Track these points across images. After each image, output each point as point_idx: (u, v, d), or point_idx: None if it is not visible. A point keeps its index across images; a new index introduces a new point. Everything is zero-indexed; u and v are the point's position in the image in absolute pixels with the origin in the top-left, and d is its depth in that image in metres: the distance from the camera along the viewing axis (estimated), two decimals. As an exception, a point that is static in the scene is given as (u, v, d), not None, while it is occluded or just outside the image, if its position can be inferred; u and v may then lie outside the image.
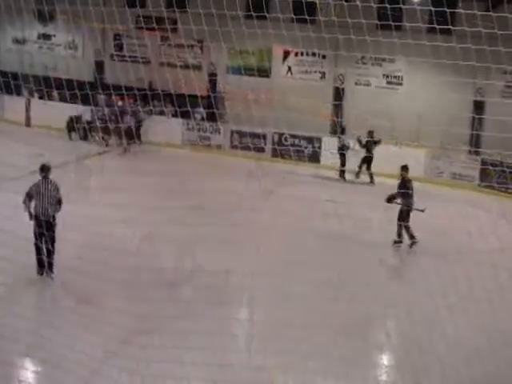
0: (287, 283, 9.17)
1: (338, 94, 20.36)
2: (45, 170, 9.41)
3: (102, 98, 19.92)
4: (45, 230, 8.91)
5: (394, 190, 11.76)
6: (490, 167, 16.43)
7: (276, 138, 19.82)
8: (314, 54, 20.84)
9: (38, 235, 8.96)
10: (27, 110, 21.61)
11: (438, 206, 11.84)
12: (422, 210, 11.42)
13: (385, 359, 8.09)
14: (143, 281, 8.73)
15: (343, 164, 17.05)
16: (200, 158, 18.43)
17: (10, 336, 6.94)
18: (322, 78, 21.23)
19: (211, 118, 19.70)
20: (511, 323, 7.88)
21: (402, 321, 7.75)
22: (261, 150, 19.06)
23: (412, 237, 11.33)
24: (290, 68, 21.56)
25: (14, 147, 17.82)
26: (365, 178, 17.52)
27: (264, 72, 20.36)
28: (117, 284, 8.75)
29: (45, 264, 8.93)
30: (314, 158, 18.86)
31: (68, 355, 6.58)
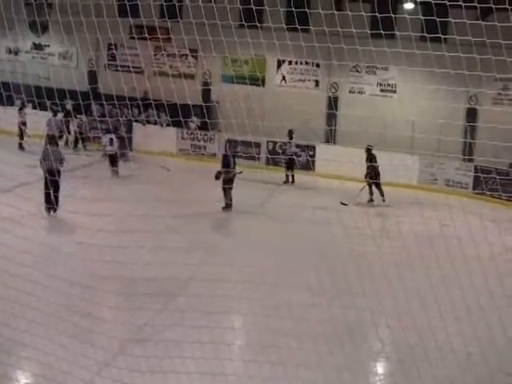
0: (281, 291, 9.15)
1: (332, 103, 20.46)
2: (51, 140, 14.45)
3: (95, 107, 19.92)
4: (52, 177, 12.30)
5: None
6: (482, 174, 16.51)
7: (270, 146, 19.88)
8: (307, 63, 20.94)
9: (48, 182, 12.35)
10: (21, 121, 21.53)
11: (431, 213, 11.86)
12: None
13: (379, 367, 8.09)
14: (137, 291, 8.71)
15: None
16: (194, 166, 18.44)
17: (3, 348, 6.91)
18: (315, 86, 21.31)
19: (205, 127, 19.75)
20: (504, 330, 7.88)
21: (395, 329, 7.74)
22: (255, 158, 19.08)
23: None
24: (284, 77, 21.64)
25: (7, 157, 17.84)
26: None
27: (258, 81, 20.44)
28: (110, 294, 8.76)
29: (51, 203, 12.28)
30: (308, 166, 18.90)
31: (62, 367, 6.55)
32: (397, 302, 7.94)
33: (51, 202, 12.37)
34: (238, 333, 8.60)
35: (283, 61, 21.33)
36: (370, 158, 16.44)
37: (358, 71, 20.72)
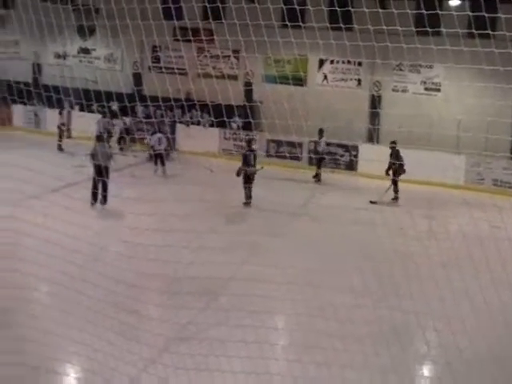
0: (325, 293, 9.10)
1: (375, 102, 20.20)
2: (99, 138, 15.39)
3: (140, 109, 20.26)
4: (101, 175, 13.37)
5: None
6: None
7: (312, 146, 19.78)
8: (349, 62, 20.75)
9: (96, 178, 13.47)
10: (68, 122, 22.14)
11: (479, 214, 11.60)
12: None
13: (426, 370, 7.94)
14: (180, 289, 8.80)
15: None
16: (236, 166, 18.51)
17: (52, 343, 7.09)
18: (358, 85, 21.10)
19: (247, 127, 19.80)
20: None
21: (443, 331, 7.58)
22: (297, 158, 19.02)
23: None
24: (325, 76, 21.51)
25: (55, 159, 18.32)
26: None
27: (300, 80, 20.38)
28: (155, 292, 8.88)
29: (97, 197, 13.60)
30: (351, 166, 18.74)
31: (109, 363, 6.67)
32: (444, 303, 7.78)
33: (97, 197, 13.61)
34: (282, 333, 8.58)
35: (325, 60, 21.20)
36: (394, 153, 16.16)
37: (401, 69, 20.42)
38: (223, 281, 9.29)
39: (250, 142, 15.41)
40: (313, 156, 18.47)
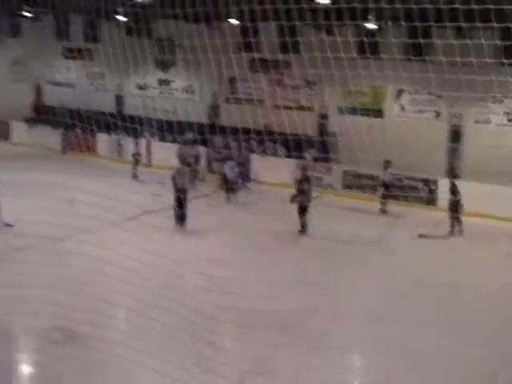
0: (402, 329, 8.77)
1: (454, 134, 19.57)
2: (181, 162, 16.88)
3: (216, 139, 20.64)
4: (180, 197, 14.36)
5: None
6: None
7: (388, 178, 19.35)
8: (429, 93, 20.30)
9: (176, 198, 14.42)
10: (148, 151, 22.85)
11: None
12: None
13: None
14: (256, 323, 8.74)
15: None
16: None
17: (122, 367, 7.16)
18: (436, 117, 20.57)
19: (323, 158, 19.68)
20: None
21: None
22: (374, 190, 18.66)
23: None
24: (403, 107, 21.14)
25: (134, 186, 18.91)
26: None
27: (376, 112, 20.14)
28: (230, 325, 8.86)
29: (179, 216, 14.29)
30: (430, 200, 18.16)
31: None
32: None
33: (180, 215, 14.41)
34: (358, 372, 8.32)
35: (403, 91, 20.85)
36: (453, 189, 15.55)
37: (483, 101, 19.73)
38: (298, 315, 9.14)
39: (304, 169, 15.12)
40: (378, 188, 18.06)
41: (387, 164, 18.00)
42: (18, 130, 26.91)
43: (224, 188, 18.08)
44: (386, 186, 17.88)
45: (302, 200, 14.47)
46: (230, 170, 17.98)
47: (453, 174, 18.42)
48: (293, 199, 14.66)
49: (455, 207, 15.30)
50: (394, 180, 18.25)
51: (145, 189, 18.10)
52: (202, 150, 20.60)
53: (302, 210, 14.38)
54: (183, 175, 15.02)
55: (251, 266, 11.41)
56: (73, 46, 26.97)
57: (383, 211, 17.63)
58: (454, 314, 9.63)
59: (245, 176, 20.00)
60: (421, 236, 14.74)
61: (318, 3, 13.21)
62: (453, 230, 15.31)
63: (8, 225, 13.08)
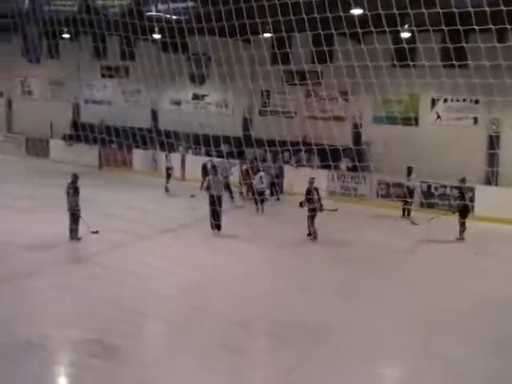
0: (435, 344, 8.54)
1: (493, 140, 19.11)
2: (215, 169, 16.28)
3: (249, 152, 20.68)
4: (215, 204, 14.57)
5: None
6: None
7: (424, 187, 19.04)
8: (465, 100, 19.93)
9: (211, 208, 14.59)
10: (183, 165, 23.09)
11: None
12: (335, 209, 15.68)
13: None
14: (288, 333, 8.67)
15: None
16: (344, 208, 18.25)
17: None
18: (474, 123, 20.15)
19: (356, 168, 19.52)
20: None
21: None
22: (408, 200, 18.35)
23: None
24: (438, 115, 20.79)
25: (169, 201, 19.12)
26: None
27: (410, 120, 19.85)
28: (264, 335, 8.83)
29: (214, 224, 14.59)
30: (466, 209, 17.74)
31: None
32: None
33: (215, 223, 14.71)
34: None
35: (438, 98, 20.52)
36: (461, 194, 15.53)
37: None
38: (330, 326, 9.01)
39: (312, 179, 15.31)
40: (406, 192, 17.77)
41: (410, 170, 17.85)
42: (57, 147, 27.61)
43: (253, 199, 18.12)
44: (410, 192, 17.73)
45: (311, 207, 14.71)
46: (258, 180, 18.00)
47: (490, 181, 18.04)
48: (301, 205, 15.07)
49: (464, 212, 15.13)
50: (417, 186, 18.10)
51: (177, 202, 18.30)
52: (236, 162, 20.69)
53: (310, 217, 14.70)
54: (218, 184, 15.26)
55: (282, 276, 11.35)
56: (110, 64, 27.58)
57: (406, 217, 17.55)
58: (498, 329, 9.32)
59: (278, 188, 20.00)
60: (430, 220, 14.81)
61: (351, 13, 13.18)
62: (462, 236, 15.08)
63: (94, 232, 13.60)
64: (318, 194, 15.04)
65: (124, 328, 8.46)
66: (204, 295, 10.03)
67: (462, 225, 15.09)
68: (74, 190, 13.40)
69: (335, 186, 20.80)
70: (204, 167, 20.63)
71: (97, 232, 13.66)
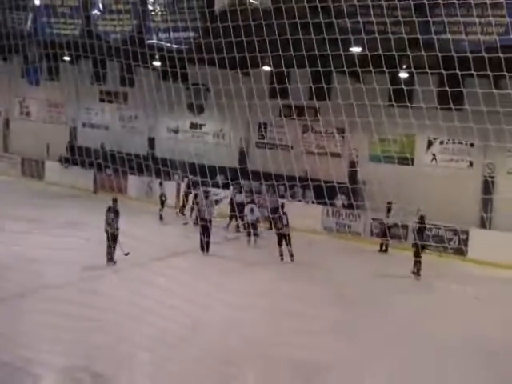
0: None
1: (487, 184, 19.14)
2: (207, 193, 17.01)
3: (244, 183, 20.61)
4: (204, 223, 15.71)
5: None
6: None
7: (415, 226, 18.93)
8: (461, 143, 20.01)
9: (202, 228, 15.52)
10: (177, 194, 22.96)
11: None
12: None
13: None
14: (279, 371, 8.53)
15: None
16: (338, 244, 18.12)
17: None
18: (469, 166, 20.20)
19: (351, 205, 19.47)
20: None
21: None
22: (401, 238, 18.25)
23: None
24: (434, 156, 20.85)
25: (163, 228, 18.96)
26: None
27: (407, 160, 19.91)
28: (253, 372, 8.65)
29: (203, 246, 15.40)
30: (461, 251, 17.65)
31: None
32: None
33: (203, 246, 15.46)
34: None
35: (434, 139, 20.61)
36: (420, 230, 15.58)
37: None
38: (319, 367, 8.81)
39: (282, 206, 16.81)
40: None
41: (389, 207, 18.11)
42: (52, 169, 27.51)
43: (245, 231, 18.01)
44: (388, 228, 18.19)
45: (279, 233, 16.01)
46: (249, 212, 17.90)
47: (484, 224, 18.02)
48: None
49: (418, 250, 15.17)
50: (394, 223, 18.19)
51: (170, 230, 18.14)
52: (229, 193, 20.62)
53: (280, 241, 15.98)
54: (208, 206, 16.12)
55: (274, 312, 11.16)
56: (109, 89, 27.70)
57: (383, 251, 18.01)
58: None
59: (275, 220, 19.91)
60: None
61: (351, 51, 13.29)
62: (415, 271, 15.20)
63: (126, 254, 13.87)
64: (287, 220, 16.00)
65: (112, 356, 8.30)
66: (194, 326, 9.84)
67: (419, 262, 15.11)
68: (114, 213, 14.29)
69: (330, 222, 20.71)
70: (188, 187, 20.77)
71: (128, 254, 13.79)
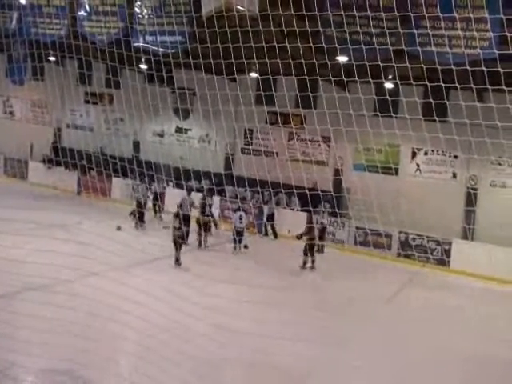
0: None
1: (470, 196, 19.27)
2: (189, 191, 17.71)
3: (229, 189, 20.57)
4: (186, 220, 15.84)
5: None
6: None
7: (402, 237, 19.02)
8: (444, 154, 20.14)
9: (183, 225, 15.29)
10: (161, 197, 22.81)
11: None
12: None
13: None
14: (259, 378, 8.41)
15: None
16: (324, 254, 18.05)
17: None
18: (453, 177, 20.33)
19: (335, 213, 19.49)
20: None
21: None
22: (384, 248, 18.30)
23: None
24: (418, 166, 20.96)
25: (143, 232, 18.82)
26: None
27: (391, 170, 19.98)
28: (231, 379, 8.56)
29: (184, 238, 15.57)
30: (443, 261, 17.73)
31: None
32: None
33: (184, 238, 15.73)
34: None
35: (419, 150, 20.72)
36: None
37: (500, 164, 19.51)
38: (303, 374, 8.76)
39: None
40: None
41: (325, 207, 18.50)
42: (36, 169, 27.23)
43: (231, 238, 17.90)
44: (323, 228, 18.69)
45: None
46: (238, 219, 17.80)
47: (466, 235, 18.10)
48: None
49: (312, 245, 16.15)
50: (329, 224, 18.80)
51: (148, 234, 18.01)
52: (216, 199, 20.50)
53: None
54: (189, 204, 16.80)
55: (258, 319, 11.09)
56: (94, 90, 27.51)
57: (318, 251, 17.67)
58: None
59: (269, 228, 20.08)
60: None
61: (337, 60, 13.31)
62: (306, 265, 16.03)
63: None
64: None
65: (94, 360, 8.20)
66: (178, 331, 9.71)
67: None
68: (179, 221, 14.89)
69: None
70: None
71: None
